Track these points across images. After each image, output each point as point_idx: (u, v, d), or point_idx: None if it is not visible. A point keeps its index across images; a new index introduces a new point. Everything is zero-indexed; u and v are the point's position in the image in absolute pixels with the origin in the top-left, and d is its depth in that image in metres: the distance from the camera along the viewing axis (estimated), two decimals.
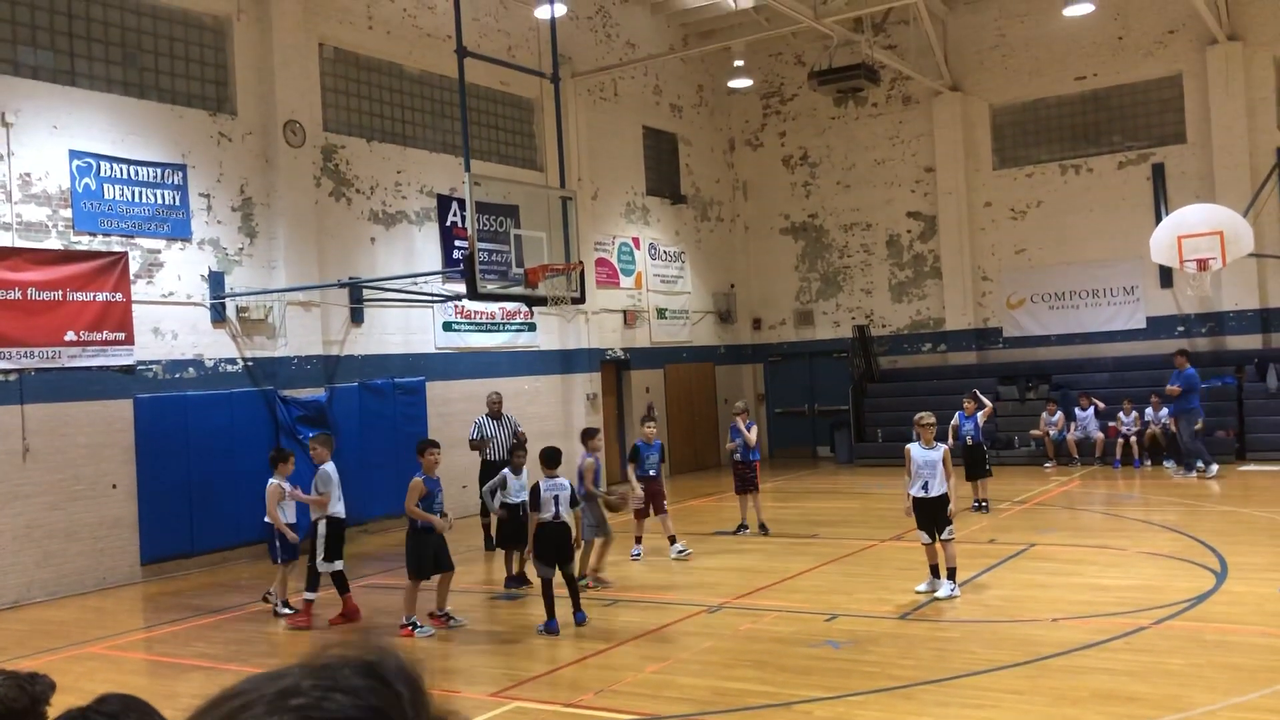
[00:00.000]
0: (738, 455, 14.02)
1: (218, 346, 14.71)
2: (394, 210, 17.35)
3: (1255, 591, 9.52)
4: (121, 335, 13.46)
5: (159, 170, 14.08)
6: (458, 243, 17.68)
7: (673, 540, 12.73)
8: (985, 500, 15.04)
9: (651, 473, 12.64)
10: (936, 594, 9.92)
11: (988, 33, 23.51)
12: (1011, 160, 23.61)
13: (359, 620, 10.47)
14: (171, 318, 14.15)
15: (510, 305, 18.31)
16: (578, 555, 10.57)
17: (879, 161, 24.77)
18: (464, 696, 7.64)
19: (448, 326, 18.14)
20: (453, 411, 17.94)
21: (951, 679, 7.46)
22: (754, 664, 8.17)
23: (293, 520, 10.98)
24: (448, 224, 18.15)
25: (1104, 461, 18.93)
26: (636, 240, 22.76)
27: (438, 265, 17.64)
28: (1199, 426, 17.59)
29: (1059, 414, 20.23)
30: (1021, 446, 20.73)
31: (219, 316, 14.69)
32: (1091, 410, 19.90)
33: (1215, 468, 17.39)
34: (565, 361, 20.49)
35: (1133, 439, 19.27)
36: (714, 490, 19.49)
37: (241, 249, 15.07)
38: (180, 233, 14.31)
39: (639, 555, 12.76)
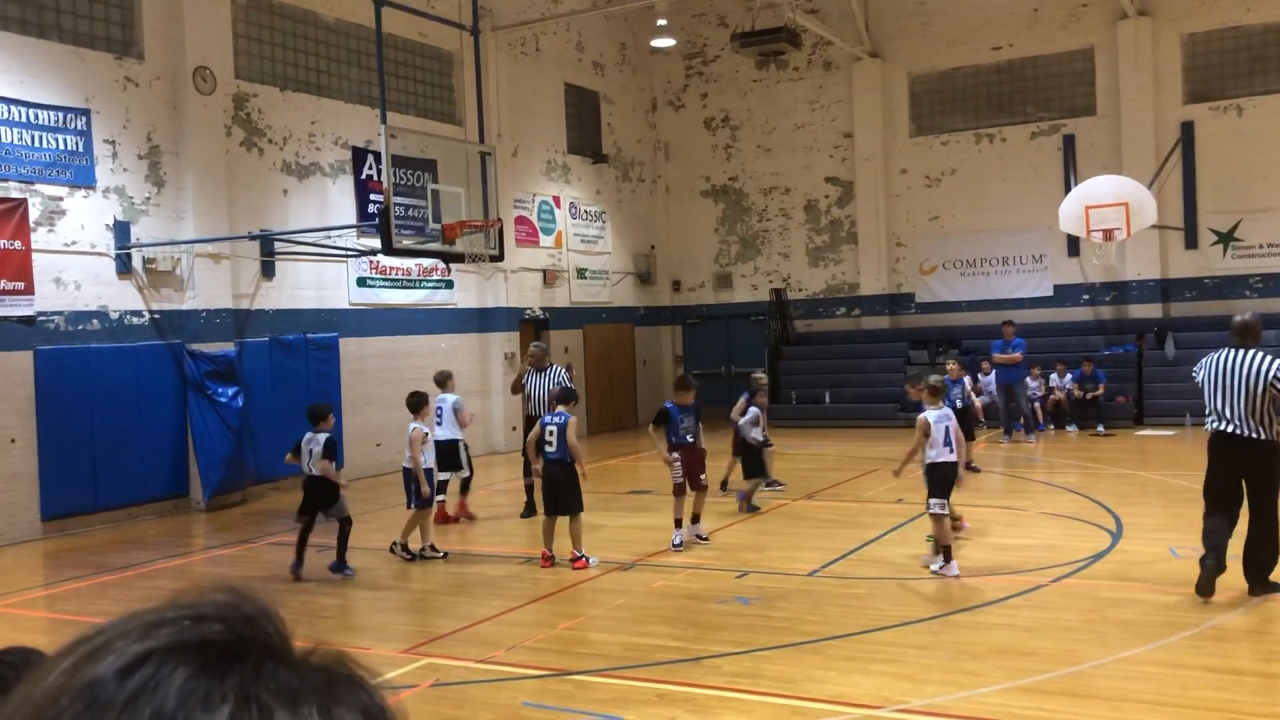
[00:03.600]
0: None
1: (123, 298, 14.30)
2: (308, 162, 16.98)
3: (1148, 551, 9.90)
4: (21, 285, 12.99)
5: (61, 114, 13.57)
6: (373, 196, 17.38)
7: (696, 519, 11.03)
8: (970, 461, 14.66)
9: (689, 439, 10.89)
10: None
11: (908, 0, 23.71)
12: (928, 128, 23.92)
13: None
14: (74, 268, 13.70)
15: (427, 262, 18.09)
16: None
17: (799, 126, 24.91)
18: (374, 653, 7.61)
19: (362, 282, 17.87)
20: (366, 369, 17.73)
21: (858, 634, 7.64)
22: (665, 620, 8.27)
23: (432, 466, 11.06)
24: (363, 177, 17.83)
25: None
26: (557, 199, 22.62)
27: (352, 219, 17.33)
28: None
29: (966, 378, 20.63)
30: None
31: (124, 267, 14.26)
32: (993, 375, 20.25)
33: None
34: (483, 320, 20.34)
35: (1037, 404, 19.80)
36: (631, 450, 19.61)
37: (148, 198, 14.63)
38: (84, 180, 13.84)
39: (680, 544, 10.71)
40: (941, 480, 9.22)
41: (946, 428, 9.26)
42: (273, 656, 0.73)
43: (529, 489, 12.67)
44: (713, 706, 6.36)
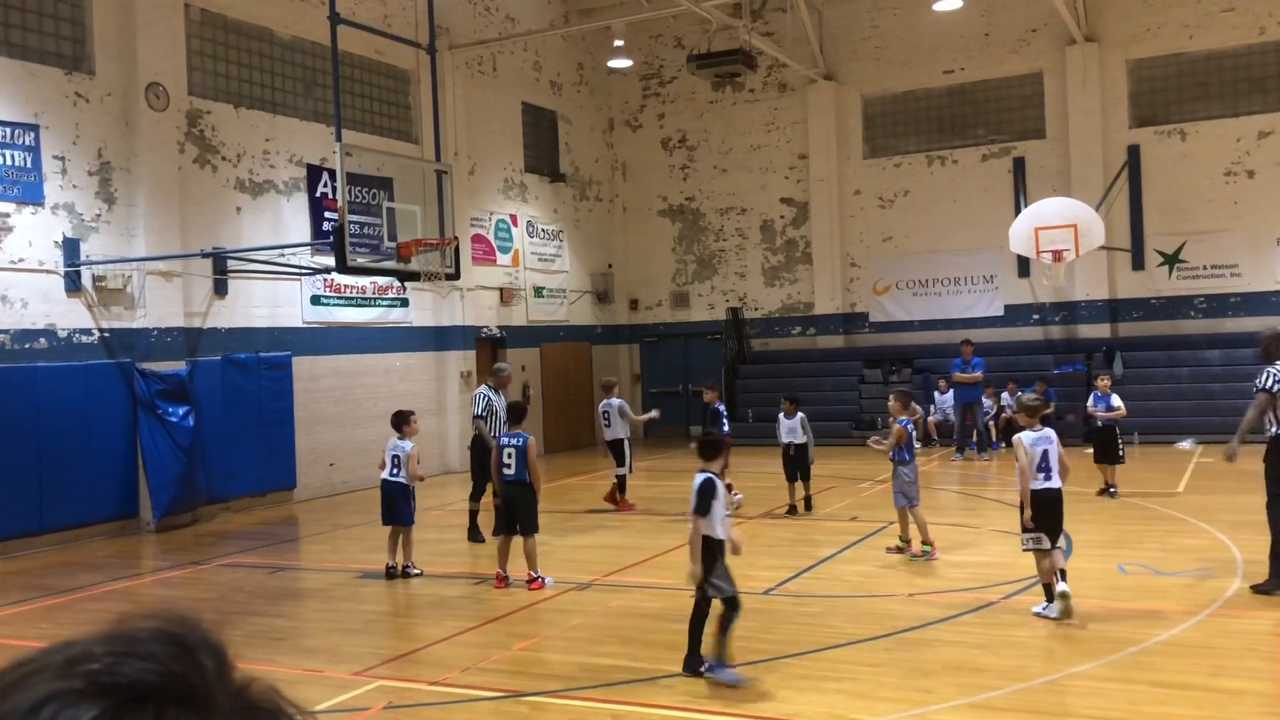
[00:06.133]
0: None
1: (72, 316, 14.10)
2: (261, 179, 16.86)
3: (1097, 567, 10.04)
4: None
5: (8, 130, 13.38)
6: (328, 214, 17.28)
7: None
8: (1114, 486, 14.46)
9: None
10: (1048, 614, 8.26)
11: (861, 24, 24.03)
12: (881, 150, 24.22)
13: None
14: (21, 285, 13.49)
15: (382, 280, 18.00)
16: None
17: (755, 147, 25.12)
18: (325, 675, 7.54)
19: (316, 300, 17.74)
20: (320, 388, 17.59)
21: (812, 652, 7.68)
22: (621, 640, 8.26)
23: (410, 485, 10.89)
24: (318, 195, 17.72)
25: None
26: (514, 217, 22.61)
27: (307, 237, 17.21)
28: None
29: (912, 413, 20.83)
30: (883, 427, 21.33)
31: (74, 285, 14.06)
32: (951, 394, 20.57)
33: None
34: (439, 338, 20.26)
35: (989, 421, 20.02)
36: (588, 469, 19.58)
37: (99, 215, 14.45)
38: (32, 196, 13.64)
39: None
40: (1037, 509, 8.32)
41: (1045, 451, 8.28)
42: (182, 701, 0.72)
43: (473, 514, 12.80)
44: None
